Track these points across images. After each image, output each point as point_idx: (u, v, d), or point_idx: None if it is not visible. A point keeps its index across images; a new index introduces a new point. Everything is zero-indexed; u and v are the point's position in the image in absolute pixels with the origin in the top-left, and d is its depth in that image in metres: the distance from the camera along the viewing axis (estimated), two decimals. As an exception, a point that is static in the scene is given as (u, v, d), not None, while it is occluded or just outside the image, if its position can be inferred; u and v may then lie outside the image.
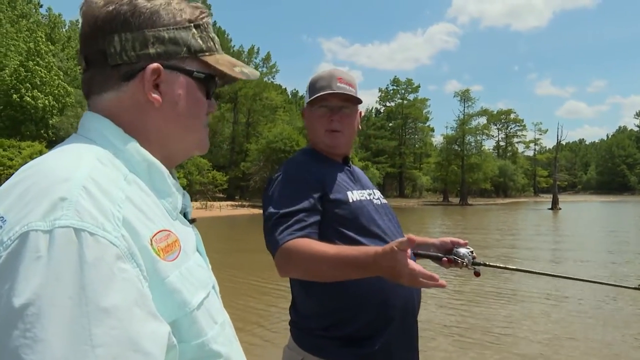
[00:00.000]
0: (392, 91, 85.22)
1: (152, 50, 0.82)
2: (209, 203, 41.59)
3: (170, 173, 0.90)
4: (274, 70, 64.26)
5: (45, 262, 0.61)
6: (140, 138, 0.84)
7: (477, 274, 1.83)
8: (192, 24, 0.87)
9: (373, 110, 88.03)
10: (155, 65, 0.82)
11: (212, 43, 0.90)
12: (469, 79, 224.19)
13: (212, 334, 0.80)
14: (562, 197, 58.72)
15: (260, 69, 63.33)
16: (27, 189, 0.68)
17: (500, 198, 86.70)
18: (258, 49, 64.45)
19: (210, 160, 49.05)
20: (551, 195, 53.32)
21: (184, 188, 0.89)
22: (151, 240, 0.73)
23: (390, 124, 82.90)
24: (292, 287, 1.82)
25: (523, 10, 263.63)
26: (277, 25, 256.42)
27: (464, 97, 78.83)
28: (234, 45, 62.44)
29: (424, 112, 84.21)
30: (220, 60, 0.91)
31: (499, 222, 29.98)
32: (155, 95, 0.83)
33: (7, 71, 40.36)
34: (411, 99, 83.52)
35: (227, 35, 63.09)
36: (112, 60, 0.82)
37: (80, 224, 0.64)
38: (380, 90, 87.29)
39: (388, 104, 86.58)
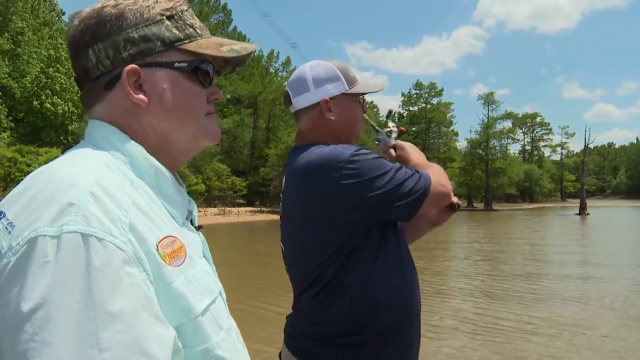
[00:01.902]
0: (415, 95, 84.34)
1: (125, 54, 0.83)
2: (227, 209, 40.91)
3: (177, 180, 0.90)
4: (294, 74, 63.81)
5: (52, 267, 0.62)
6: (141, 142, 0.85)
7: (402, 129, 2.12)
8: (164, 17, 0.86)
9: (396, 115, 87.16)
10: (130, 67, 0.82)
11: (191, 30, 0.89)
12: (495, 82, 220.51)
13: (217, 339, 0.80)
14: (590, 202, 57.04)
15: (280, 73, 63.49)
16: (35, 194, 0.69)
17: (526, 203, 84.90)
18: (278, 52, 64.48)
19: (230, 165, 48.89)
20: (579, 200, 51.64)
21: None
22: (157, 246, 0.74)
23: (414, 129, 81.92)
24: (311, 300, 1.61)
25: (550, 13, 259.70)
26: (305, 30, 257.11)
27: (488, 100, 77.53)
28: (255, 50, 62.26)
29: (447, 116, 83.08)
30: (204, 45, 0.89)
31: (523, 228, 28.90)
32: (140, 96, 0.83)
33: (28, 78, 40.65)
34: (435, 102, 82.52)
35: (249, 40, 62.86)
36: (93, 74, 0.84)
37: (88, 229, 0.65)
38: (402, 94, 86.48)
39: (411, 108, 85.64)
